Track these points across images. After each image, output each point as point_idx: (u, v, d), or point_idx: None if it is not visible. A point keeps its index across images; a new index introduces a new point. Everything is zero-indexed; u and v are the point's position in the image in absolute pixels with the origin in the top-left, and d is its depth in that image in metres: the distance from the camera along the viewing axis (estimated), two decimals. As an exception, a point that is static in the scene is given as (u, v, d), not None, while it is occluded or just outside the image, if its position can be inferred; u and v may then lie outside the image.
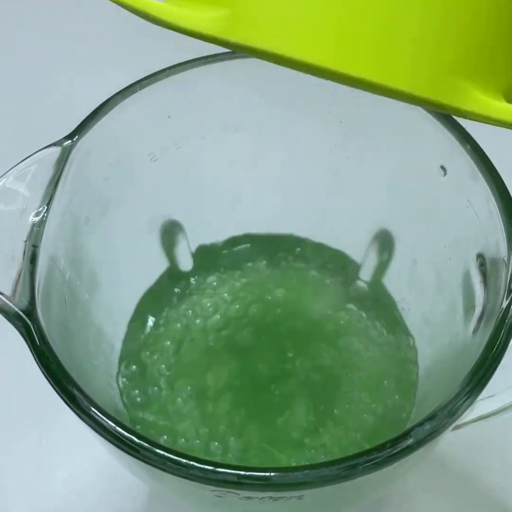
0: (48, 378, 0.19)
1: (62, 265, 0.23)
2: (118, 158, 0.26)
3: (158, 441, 0.18)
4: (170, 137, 0.28)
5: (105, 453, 0.21)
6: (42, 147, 0.23)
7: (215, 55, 0.26)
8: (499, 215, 0.21)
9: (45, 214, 0.21)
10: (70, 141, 0.23)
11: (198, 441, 0.27)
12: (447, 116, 0.24)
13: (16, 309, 0.20)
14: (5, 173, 0.22)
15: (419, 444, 0.18)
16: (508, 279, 0.20)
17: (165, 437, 0.28)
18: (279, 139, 0.29)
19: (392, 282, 0.31)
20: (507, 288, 0.20)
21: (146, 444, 0.17)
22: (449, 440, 0.21)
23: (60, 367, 0.19)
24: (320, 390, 0.29)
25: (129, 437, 0.18)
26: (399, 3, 0.14)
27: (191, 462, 0.17)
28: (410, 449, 0.18)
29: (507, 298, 0.20)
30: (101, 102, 0.24)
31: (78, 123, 0.24)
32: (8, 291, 0.20)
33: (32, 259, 0.21)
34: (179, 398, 0.29)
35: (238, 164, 0.30)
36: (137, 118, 0.26)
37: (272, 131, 0.29)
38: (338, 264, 0.33)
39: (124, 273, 0.29)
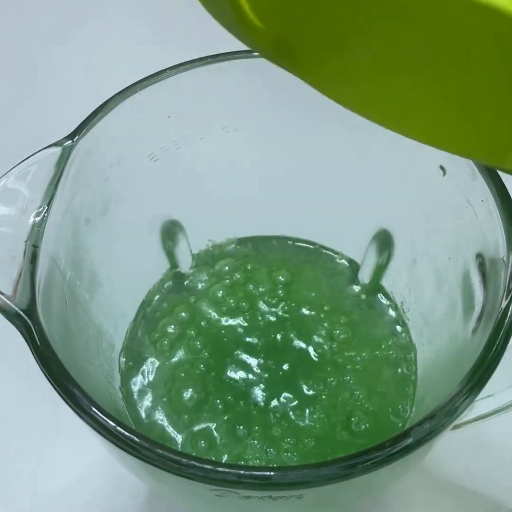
0: (49, 377, 0.19)
1: (62, 265, 0.23)
2: (118, 158, 0.26)
3: (158, 441, 0.18)
4: (170, 137, 0.28)
5: (105, 453, 0.21)
6: (42, 147, 0.23)
7: (215, 56, 0.26)
8: (498, 215, 0.21)
9: (46, 214, 0.22)
10: (70, 141, 0.23)
11: (202, 442, 0.27)
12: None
13: (17, 309, 0.20)
14: (5, 173, 0.22)
15: (418, 443, 0.18)
16: (507, 279, 0.20)
17: (168, 434, 0.28)
18: (279, 139, 0.29)
19: (392, 282, 0.31)
20: (506, 288, 0.20)
21: (146, 444, 0.17)
22: (448, 440, 0.21)
23: (60, 367, 0.19)
24: (315, 391, 0.29)
25: (130, 436, 0.18)
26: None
27: (191, 462, 0.17)
28: (409, 449, 0.18)
29: (506, 298, 0.20)
30: (101, 102, 0.24)
31: (79, 123, 0.24)
32: (8, 291, 0.20)
33: (33, 259, 0.21)
34: (181, 396, 0.29)
35: (238, 164, 0.30)
36: (137, 118, 0.26)
37: (272, 131, 0.29)
38: (338, 264, 0.33)
39: (124, 273, 0.29)
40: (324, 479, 0.17)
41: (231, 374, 0.29)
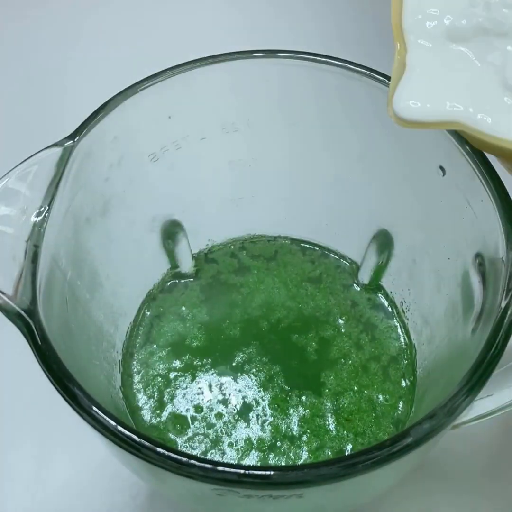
0: (50, 377, 0.19)
1: (63, 264, 0.23)
2: (119, 159, 0.26)
3: (158, 440, 0.18)
4: (170, 137, 0.28)
5: (106, 452, 0.21)
6: (43, 147, 0.23)
7: (215, 56, 0.26)
8: (498, 215, 0.21)
9: (47, 214, 0.22)
10: (71, 141, 0.23)
11: (203, 442, 0.28)
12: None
13: (18, 308, 0.20)
14: (6, 173, 0.22)
15: (418, 443, 0.18)
16: (507, 279, 0.20)
17: (169, 434, 0.28)
18: (279, 139, 0.29)
19: (391, 282, 0.31)
20: (505, 288, 0.20)
21: (147, 443, 0.17)
22: (448, 439, 0.21)
23: (61, 366, 0.19)
24: (314, 389, 0.29)
25: (130, 436, 0.18)
26: None
27: (192, 461, 0.17)
28: (409, 448, 0.18)
29: (505, 298, 0.20)
30: (102, 103, 0.24)
31: (79, 123, 0.24)
32: (9, 291, 0.20)
33: (34, 259, 0.21)
34: (180, 396, 0.29)
35: (238, 164, 0.30)
36: (138, 118, 0.26)
37: (272, 131, 0.29)
38: (338, 264, 0.33)
39: (124, 272, 0.29)
40: (324, 478, 0.17)
41: (232, 374, 0.29)
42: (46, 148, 0.23)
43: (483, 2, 0.20)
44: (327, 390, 0.29)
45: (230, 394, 0.29)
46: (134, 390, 0.29)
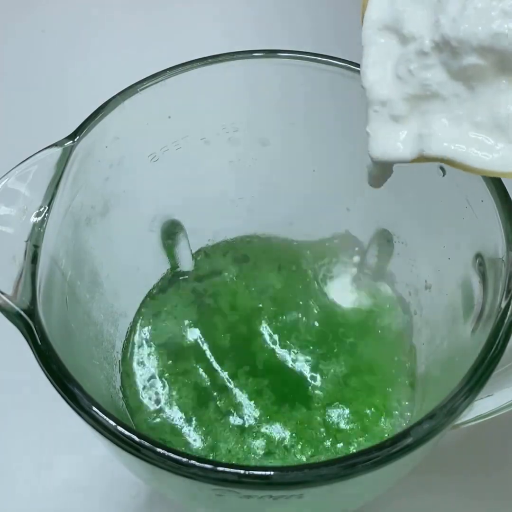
0: (49, 377, 0.19)
1: (63, 265, 0.23)
2: (119, 159, 0.26)
3: (158, 440, 0.18)
4: (170, 137, 0.28)
5: (106, 452, 0.21)
6: (43, 147, 0.23)
7: (215, 56, 0.26)
8: (498, 215, 0.21)
9: (46, 214, 0.22)
10: (71, 141, 0.23)
11: (203, 441, 0.28)
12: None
13: (17, 308, 0.20)
14: (6, 173, 0.22)
15: (418, 443, 0.18)
16: (507, 279, 0.20)
17: (168, 434, 0.28)
18: (279, 139, 0.29)
19: (392, 282, 0.31)
20: (505, 288, 0.20)
21: (146, 443, 0.18)
22: (448, 439, 0.21)
23: (61, 367, 0.19)
24: (313, 391, 0.29)
25: (130, 436, 0.18)
26: None
27: (191, 461, 0.17)
28: (409, 448, 0.18)
29: (505, 298, 0.20)
30: (102, 103, 0.25)
31: (79, 123, 0.24)
32: (9, 291, 0.20)
33: (33, 259, 0.21)
34: (182, 397, 0.29)
35: (238, 164, 0.30)
36: (138, 118, 0.26)
37: (272, 131, 0.29)
38: (338, 264, 0.33)
39: (124, 272, 0.29)
40: (324, 478, 0.17)
41: (232, 375, 0.29)
42: (46, 148, 0.23)
43: (406, 70, 0.20)
44: (325, 390, 0.29)
45: (230, 396, 0.29)
46: (134, 390, 0.29)
